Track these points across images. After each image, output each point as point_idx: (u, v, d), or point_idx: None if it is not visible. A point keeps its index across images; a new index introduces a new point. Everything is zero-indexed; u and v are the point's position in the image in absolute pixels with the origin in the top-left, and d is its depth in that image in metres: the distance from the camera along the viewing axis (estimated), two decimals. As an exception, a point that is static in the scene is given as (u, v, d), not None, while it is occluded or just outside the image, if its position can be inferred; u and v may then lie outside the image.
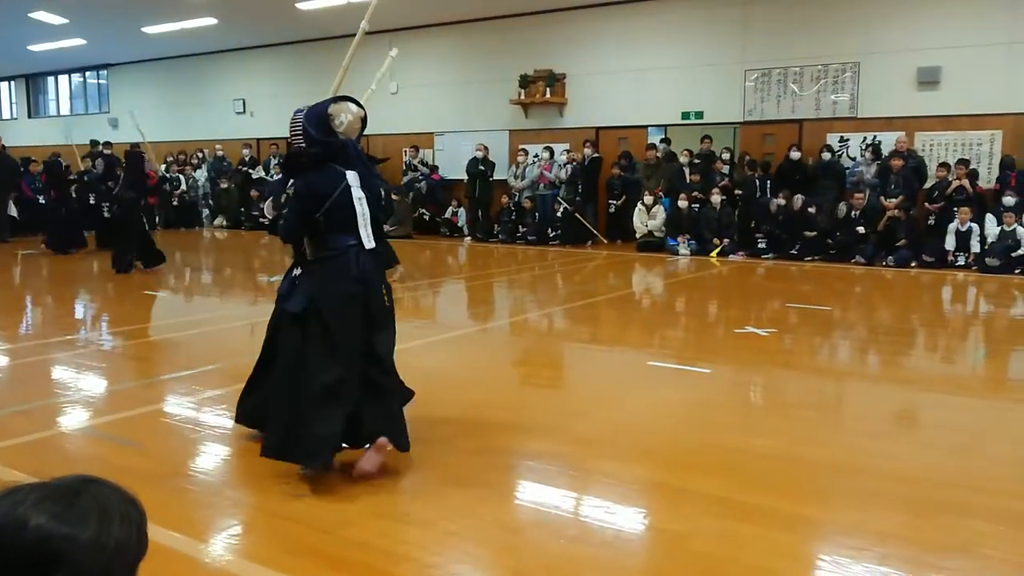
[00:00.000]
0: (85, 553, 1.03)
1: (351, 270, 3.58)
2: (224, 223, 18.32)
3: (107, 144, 18.19)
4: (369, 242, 3.66)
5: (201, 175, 18.98)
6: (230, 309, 8.54)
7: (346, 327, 3.56)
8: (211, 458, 3.99)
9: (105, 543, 1.06)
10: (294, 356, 3.65)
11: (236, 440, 4.24)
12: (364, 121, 3.78)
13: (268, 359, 3.98)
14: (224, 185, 18.42)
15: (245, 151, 18.82)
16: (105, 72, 23.36)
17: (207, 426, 4.40)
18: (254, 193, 17.89)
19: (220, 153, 19.14)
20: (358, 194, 3.65)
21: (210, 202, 18.93)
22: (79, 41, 19.93)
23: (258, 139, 19.64)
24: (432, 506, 3.35)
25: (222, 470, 3.89)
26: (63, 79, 24.57)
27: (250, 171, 18.51)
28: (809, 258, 11.84)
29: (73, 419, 4.56)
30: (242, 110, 20.27)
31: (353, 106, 3.73)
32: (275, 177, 17.62)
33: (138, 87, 22.43)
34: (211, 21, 17.35)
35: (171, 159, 18.94)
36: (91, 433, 4.33)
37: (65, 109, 24.74)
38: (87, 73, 23.96)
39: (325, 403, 3.49)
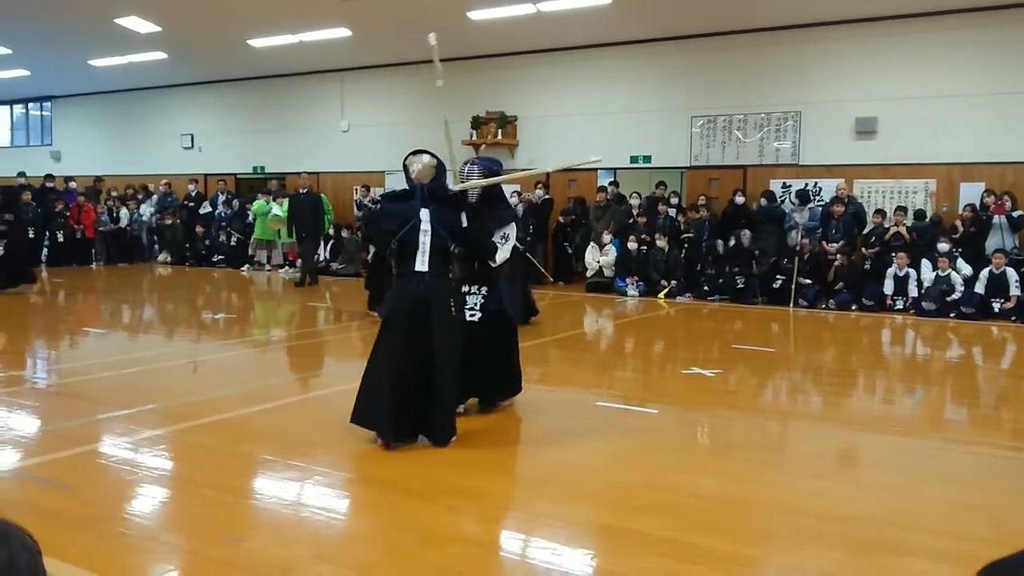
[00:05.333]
0: None
1: (411, 289, 4.58)
2: (169, 259, 17.99)
3: (48, 177, 17.85)
4: (422, 267, 4.60)
5: (146, 210, 18.64)
6: (172, 347, 8.36)
7: (401, 334, 4.55)
8: (147, 501, 3.88)
9: (16, 572, 1.03)
10: (374, 350, 4.68)
11: (174, 482, 4.13)
12: (438, 168, 4.73)
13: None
14: (168, 221, 18.13)
15: (191, 186, 18.58)
16: (49, 104, 22.95)
17: (144, 467, 4.27)
18: (199, 229, 17.65)
19: (163, 188, 18.89)
20: (425, 227, 4.62)
21: (154, 237, 18.60)
22: (22, 72, 19.59)
23: (206, 174, 19.42)
24: (376, 550, 3.30)
25: (159, 513, 3.78)
26: (4, 110, 24.04)
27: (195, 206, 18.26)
28: (759, 299, 12.04)
29: (2, 460, 4.39)
30: (190, 145, 20.06)
31: (425, 157, 4.73)
32: (224, 212, 17.50)
33: (83, 120, 22.08)
34: (160, 56, 17.22)
35: (115, 194, 18.59)
36: (21, 475, 4.17)
37: (5, 140, 24.18)
38: (30, 105, 23.51)
39: (382, 391, 4.51)
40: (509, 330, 5.36)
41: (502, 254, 5.08)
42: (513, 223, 5.31)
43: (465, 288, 5.17)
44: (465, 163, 5.27)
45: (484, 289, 5.18)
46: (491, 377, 5.31)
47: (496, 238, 5.12)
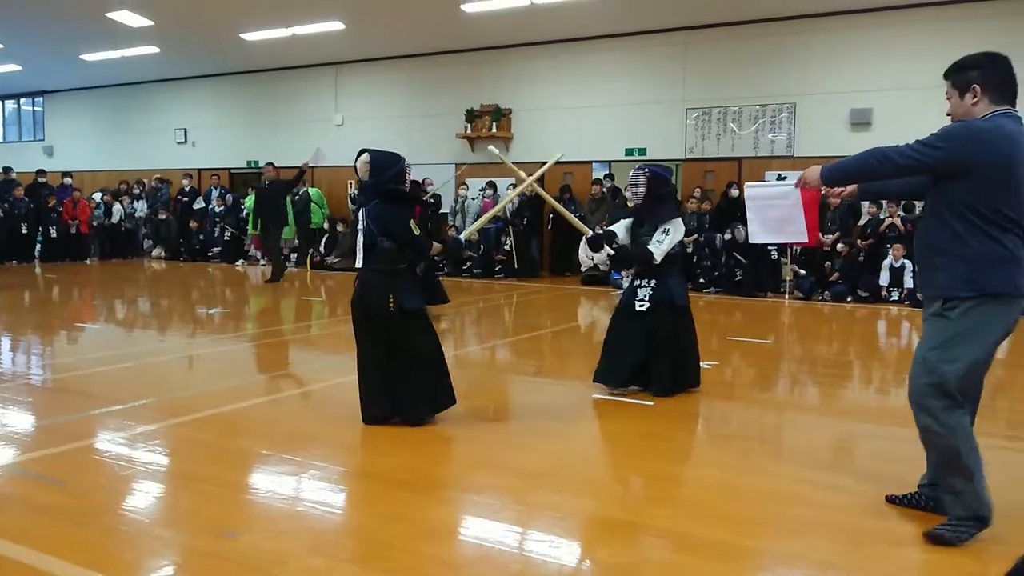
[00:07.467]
0: None
1: (357, 285, 4.87)
2: (163, 254, 17.94)
3: (40, 172, 17.76)
4: (358, 262, 4.86)
5: (141, 205, 18.58)
6: (166, 342, 8.32)
7: (356, 324, 4.89)
8: (142, 496, 3.85)
9: None
10: None
11: (169, 477, 4.11)
12: (370, 164, 4.78)
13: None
14: (163, 216, 18.07)
15: (185, 181, 18.51)
16: (41, 99, 22.83)
17: (139, 462, 4.25)
18: (193, 224, 17.60)
19: (155, 183, 18.83)
20: (361, 225, 4.83)
21: (148, 231, 18.54)
22: (14, 67, 19.47)
23: (199, 169, 19.35)
24: (371, 542, 3.28)
25: (154, 508, 3.75)
26: (-4, 105, 23.95)
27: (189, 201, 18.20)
28: (763, 293, 12.03)
29: (-5, 456, 4.36)
30: (183, 140, 19.97)
31: (363, 155, 4.82)
32: (217, 207, 17.43)
33: (75, 115, 21.98)
34: (153, 50, 17.12)
35: (110, 189, 18.52)
36: (15, 471, 4.13)
37: (-3, 136, 24.08)
38: (22, 100, 23.38)
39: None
40: (680, 320, 5.70)
41: (659, 251, 5.46)
42: (677, 219, 5.64)
43: (636, 281, 5.74)
44: (635, 169, 5.71)
45: (653, 281, 5.65)
46: (664, 366, 5.62)
47: (657, 235, 5.52)
